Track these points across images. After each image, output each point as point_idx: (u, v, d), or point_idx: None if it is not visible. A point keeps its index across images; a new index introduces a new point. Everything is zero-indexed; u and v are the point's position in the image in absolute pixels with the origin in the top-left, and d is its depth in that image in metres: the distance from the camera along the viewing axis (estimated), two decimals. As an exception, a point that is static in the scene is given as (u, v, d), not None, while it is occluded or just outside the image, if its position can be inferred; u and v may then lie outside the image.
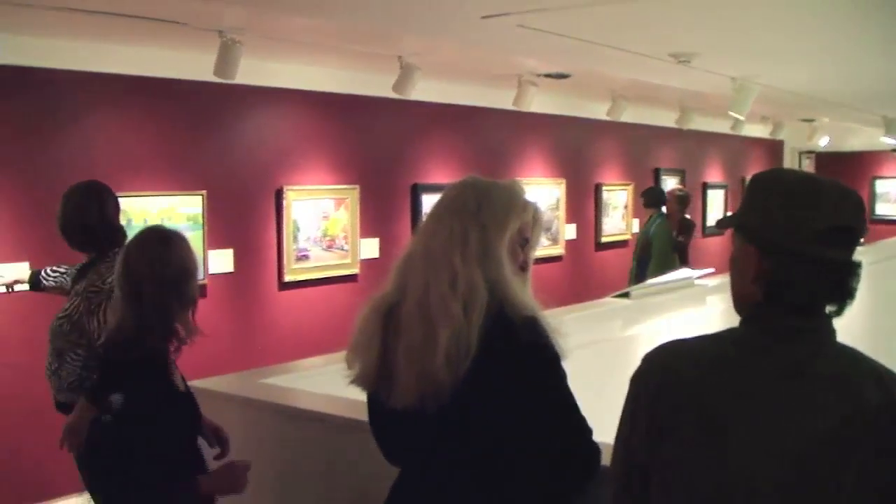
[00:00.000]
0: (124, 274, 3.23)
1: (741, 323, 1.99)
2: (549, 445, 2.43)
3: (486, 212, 2.49)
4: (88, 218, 4.46)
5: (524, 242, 2.59)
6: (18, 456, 5.94)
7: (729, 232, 2.09)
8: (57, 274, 4.94)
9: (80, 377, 4.39)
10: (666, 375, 1.99)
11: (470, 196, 2.53)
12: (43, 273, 4.93)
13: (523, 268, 2.59)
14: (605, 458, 2.35)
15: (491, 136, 9.78)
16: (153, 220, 6.63)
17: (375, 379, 2.54)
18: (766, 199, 1.93)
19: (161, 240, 3.34)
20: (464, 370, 2.35)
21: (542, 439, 2.42)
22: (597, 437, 2.49)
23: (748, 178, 11.96)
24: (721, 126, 11.92)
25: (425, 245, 2.51)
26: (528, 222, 2.59)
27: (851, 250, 1.90)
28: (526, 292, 2.50)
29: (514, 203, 2.55)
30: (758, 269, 1.91)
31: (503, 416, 2.39)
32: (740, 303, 1.99)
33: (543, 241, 10.49)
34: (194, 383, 3.66)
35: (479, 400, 2.38)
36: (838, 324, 1.94)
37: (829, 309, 1.92)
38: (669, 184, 12.61)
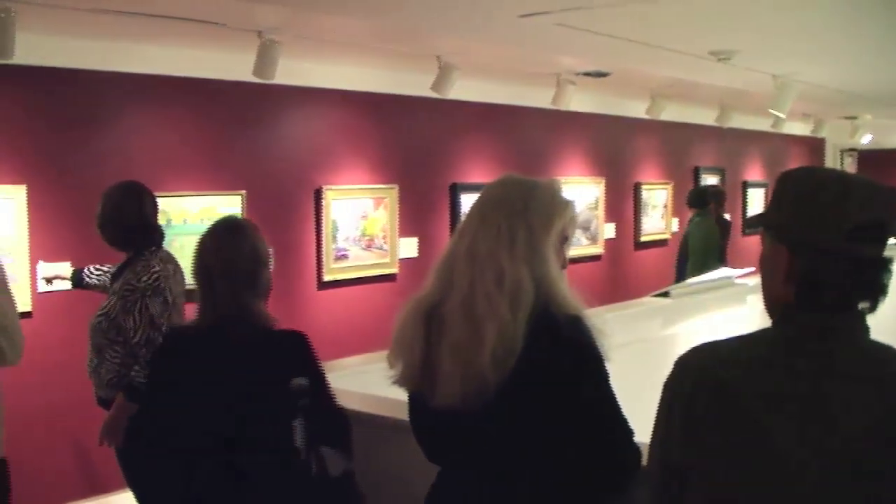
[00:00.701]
0: (196, 265, 3.27)
1: (774, 324, 1.96)
2: (591, 445, 2.42)
3: (533, 211, 2.50)
4: (127, 217, 4.52)
5: (564, 241, 2.59)
6: (64, 452, 5.99)
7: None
8: (100, 272, 5.00)
9: (119, 374, 4.45)
10: (702, 378, 1.95)
11: (515, 195, 2.53)
12: (86, 271, 4.99)
13: (563, 266, 2.59)
14: (645, 460, 2.34)
15: (529, 135, 9.76)
16: (192, 220, 6.68)
17: (418, 379, 2.54)
18: (795, 197, 1.91)
19: (230, 229, 3.37)
20: (509, 368, 2.34)
21: (584, 439, 2.41)
22: (635, 437, 2.48)
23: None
24: (761, 124, 11.85)
25: (469, 244, 2.50)
26: (568, 222, 2.59)
27: (883, 246, 1.87)
28: (571, 291, 2.50)
29: (557, 202, 2.56)
30: (789, 268, 1.88)
31: (546, 414, 2.38)
32: (772, 303, 1.97)
33: (582, 240, 10.47)
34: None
35: (522, 398, 2.38)
36: (870, 320, 1.92)
37: (861, 306, 1.89)
38: (709, 182, 12.54)
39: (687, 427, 1.96)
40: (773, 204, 1.97)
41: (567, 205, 2.59)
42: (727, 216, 10.61)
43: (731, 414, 1.89)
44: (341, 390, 4.02)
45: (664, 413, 2.03)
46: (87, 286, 4.98)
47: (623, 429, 2.45)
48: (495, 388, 2.35)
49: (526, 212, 2.48)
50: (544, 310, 2.40)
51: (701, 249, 9.50)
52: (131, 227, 4.53)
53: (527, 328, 2.36)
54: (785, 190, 1.95)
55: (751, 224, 2.12)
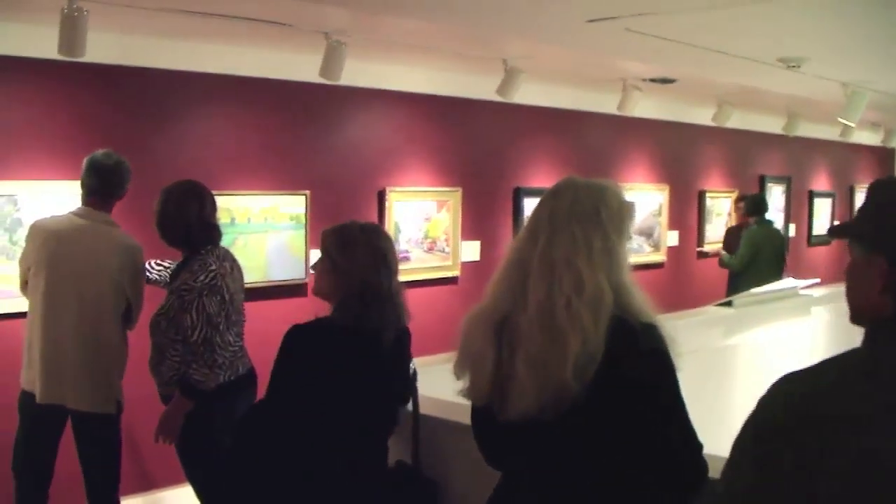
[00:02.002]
0: (368, 265, 3.50)
1: (873, 339, 1.84)
2: (662, 455, 2.39)
3: (606, 216, 2.48)
4: (186, 216, 4.58)
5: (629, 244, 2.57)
6: (129, 446, 6.05)
7: (837, 241, 2.01)
8: (161, 268, 5.06)
9: (179, 372, 4.50)
10: (801, 412, 1.76)
11: (587, 200, 2.50)
12: (147, 265, 5.05)
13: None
14: (711, 471, 2.32)
15: (594, 140, 9.72)
16: (256, 220, 6.74)
17: (488, 392, 2.51)
18: (891, 206, 1.85)
19: (379, 232, 3.69)
20: (589, 377, 2.32)
21: (655, 449, 2.38)
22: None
23: (857, 186, 11.75)
24: (829, 132, 11.67)
25: (542, 251, 2.47)
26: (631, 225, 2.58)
27: None
28: (645, 298, 2.48)
29: (625, 205, 2.54)
30: (887, 279, 1.80)
31: (621, 423, 2.36)
32: (862, 313, 1.87)
33: (645, 247, 10.41)
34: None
35: (599, 407, 2.35)
36: None
37: None
38: (775, 191, 12.40)
39: (792, 468, 1.73)
40: (865, 213, 1.90)
41: (632, 210, 2.57)
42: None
43: (847, 449, 1.70)
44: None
45: (755, 452, 1.80)
46: (149, 281, 5.06)
47: (693, 439, 2.42)
48: (574, 398, 2.33)
49: (599, 217, 2.46)
50: (620, 317, 2.38)
51: (759, 258, 9.41)
52: (190, 226, 4.59)
53: (606, 336, 2.34)
54: (880, 198, 1.88)
55: (835, 233, 2.05)
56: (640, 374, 2.36)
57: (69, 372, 4.65)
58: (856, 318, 1.89)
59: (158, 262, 5.08)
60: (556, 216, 2.51)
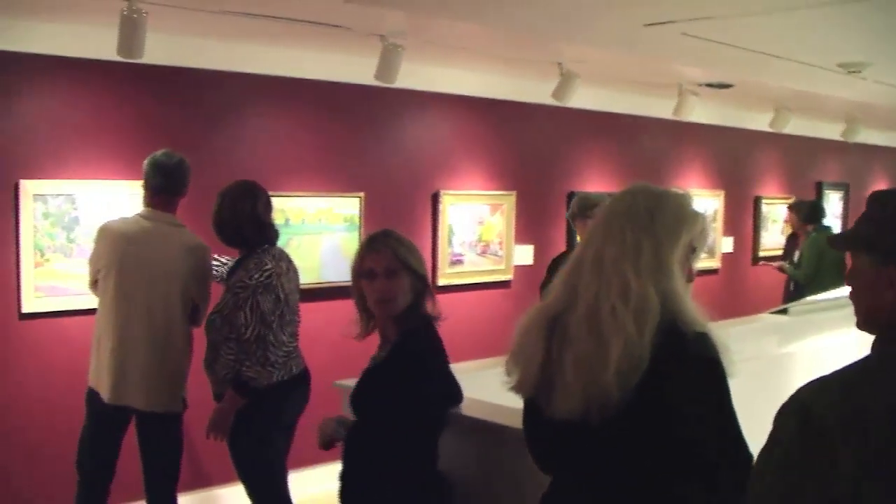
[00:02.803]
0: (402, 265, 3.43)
1: (884, 342, 1.88)
2: (710, 464, 2.37)
3: (659, 222, 2.47)
4: (242, 216, 4.62)
5: (692, 253, 2.55)
6: (185, 444, 6.09)
7: None
8: (219, 263, 5.10)
9: (233, 370, 4.53)
10: (856, 412, 1.75)
11: (642, 205, 2.50)
12: None
13: (689, 279, 2.55)
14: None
15: (648, 145, 9.67)
16: (310, 221, 6.77)
17: (535, 386, 2.53)
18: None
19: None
20: (633, 384, 2.32)
21: (704, 458, 2.36)
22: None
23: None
24: (889, 139, 11.53)
25: (595, 253, 2.48)
26: (697, 234, 2.55)
27: None
28: (696, 306, 2.46)
29: (685, 214, 2.52)
30: None
31: (669, 431, 2.34)
32: (874, 320, 1.90)
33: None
34: (347, 382, 3.71)
35: (646, 414, 2.34)
36: None
37: None
38: (832, 198, 12.26)
39: (835, 474, 1.73)
40: (875, 223, 1.90)
41: (696, 217, 2.55)
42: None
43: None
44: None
45: (794, 459, 1.79)
46: None
47: (743, 449, 2.38)
48: (618, 403, 2.33)
49: (652, 224, 2.46)
50: (671, 325, 2.36)
51: (821, 266, 9.29)
52: (246, 226, 4.63)
53: (652, 344, 2.33)
54: (887, 208, 1.89)
55: (837, 244, 2.04)
56: (687, 382, 2.34)
57: (137, 373, 4.71)
58: (866, 325, 1.90)
59: (216, 256, 5.12)
60: (612, 220, 2.52)
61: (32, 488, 5.63)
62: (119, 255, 4.73)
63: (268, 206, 4.76)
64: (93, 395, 4.82)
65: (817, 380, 1.87)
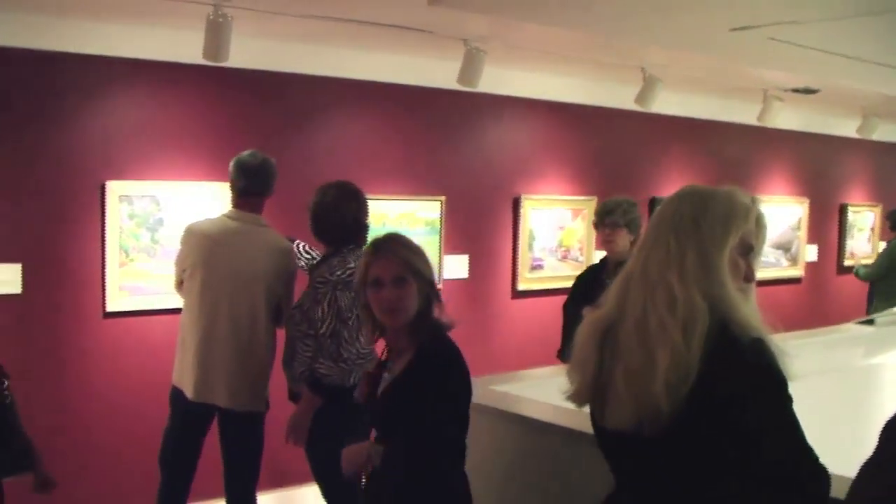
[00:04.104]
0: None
1: None
2: (772, 472, 2.29)
3: (704, 226, 2.38)
4: (343, 214, 4.62)
5: (748, 251, 2.45)
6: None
7: None
8: (308, 256, 5.12)
9: (309, 367, 4.55)
10: None
11: (686, 210, 2.42)
12: (298, 246, 5.16)
13: (748, 279, 2.46)
14: (836, 490, 2.24)
15: (731, 150, 9.56)
16: (391, 224, 6.80)
17: (587, 398, 2.53)
18: None
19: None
20: (684, 395, 2.26)
21: (765, 467, 2.30)
22: (830, 467, 2.34)
23: None
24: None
25: (642, 264, 2.44)
26: (752, 230, 2.45)
27: None
28: (751, 311, 2.38)
29: (733, 212, 2.42)
30: None
31: (726, 441, 2.28)
32: None
33: (782, 261, 10.18)
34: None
35: (698, 426, 2.29)
36: None
37: None
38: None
39: None
40: None
41: (746, 213, 2.44)
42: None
43: None
44: (530, 400, 4.03)
45: None
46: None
47: (807, 453, 2.30)
48: (669, 415, 2.28)
49: (697, 228, 2.38)
50: (722, 332, 2.30)
51: (888, 268, 9.14)
52: (345, 224, 4.64)
53: (703, 353, 2.27)
54: None
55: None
56: (742, 390, 2.26)
57: (222, 372, 4.76)
58: None
59: (307, 248, 5.14)
60: (659, 227, 2.46)
61: (114, 485, 5.76)
62: (205, 255, 4.79)
63: (366, 207, 4.78)
64: (177, 394, 4.89)
65: None
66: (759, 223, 2.49)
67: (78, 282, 5.67)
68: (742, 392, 2.27)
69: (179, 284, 4.96)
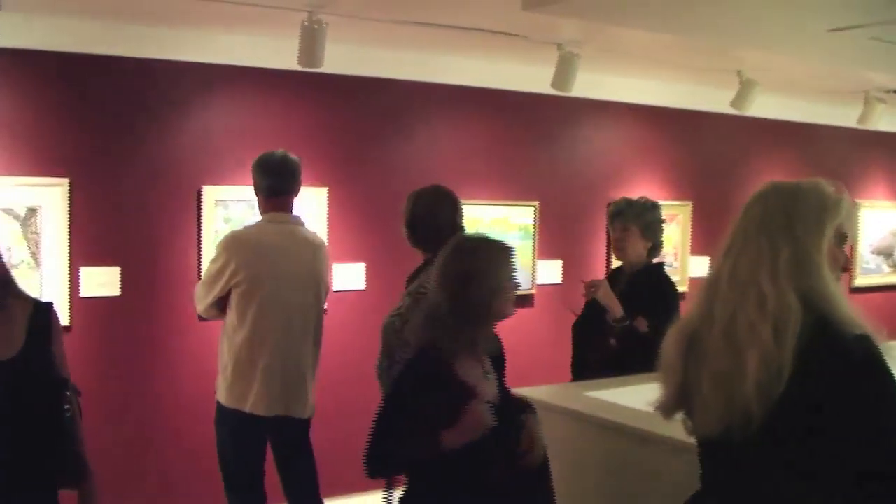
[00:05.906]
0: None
1: None
2: (883, 475, 2.18)
3: (798, 222, 2.33)
4: (439, 219, 4.57)
5: (843, 241, 2.40)
6: (336, 448, 6.13)
7: None
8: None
9: None
10: None
11: (776, 208, 2.37)
12: None
13: (846, 268, 2.43)
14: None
15: (830, 154, 9.35)
16: (484, 229, 6.77)
17: (673, 409, 2.50)
18: None
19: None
20: (776, 396, 2.20)
21: (875, 469, 2.20)
22: None
23: None
24: None
25: (732, 267, 2.38)
26: (844, 219, 2.39)
27: None
28: (852, 306, 2.29)
29: (825, 205, 2.37)
30: None
31: (828, 442, 2.19)
32: None
33: (883, 267, 9.94)
34: (518, 391, 3.69)
35: (793, 430, 2.22)
36: None
37: None
38: None
39: None
40: None
41: (838, 203, 2.39)
42: None
43: None
44: (623, 406, 3.98)
45: None
46: None
47: None
48: (760, 419, 2.22)
49: (790, 224, 2.33)
50: (821, 329, 2.22)
51: None
52: (441, 228, 4.60)
53: (797, 351, 2.20)
54: None
55: None
56: (848, 389, 2.17)
57: (299, 381, 4.76)
58: None
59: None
60: (747, 229, 2.41)
61: (192, 488, 5.83)
62: (264, 264, 4.67)
63: (461, 212, 4.74)
64: (239, 417, 4.71)
65: None
66: (850, 213, 2.43)
67: (174, 285, 5.77)
68: (849, 391, 2.18)
69: (218, 302, 4.75)
